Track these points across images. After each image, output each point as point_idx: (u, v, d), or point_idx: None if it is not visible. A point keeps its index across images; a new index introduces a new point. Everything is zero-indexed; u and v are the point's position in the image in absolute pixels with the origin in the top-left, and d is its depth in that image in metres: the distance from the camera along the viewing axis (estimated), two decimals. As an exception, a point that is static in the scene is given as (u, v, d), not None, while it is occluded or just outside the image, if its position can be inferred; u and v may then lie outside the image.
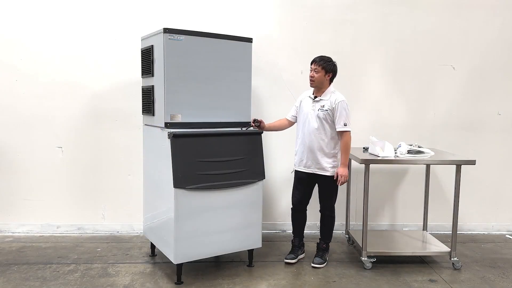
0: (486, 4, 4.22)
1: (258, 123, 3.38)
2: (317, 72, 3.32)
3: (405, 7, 4.19)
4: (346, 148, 3.31)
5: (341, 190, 4.18)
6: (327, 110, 3.31)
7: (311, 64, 3.37)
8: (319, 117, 3.33)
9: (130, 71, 4.00)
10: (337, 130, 3.31)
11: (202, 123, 3.15)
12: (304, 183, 3.50)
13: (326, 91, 3.38)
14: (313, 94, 3.43)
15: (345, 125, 3.28)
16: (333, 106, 3.30)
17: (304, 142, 3.41)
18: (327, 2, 4.13)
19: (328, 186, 3.41)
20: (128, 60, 4.01)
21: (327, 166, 3.35)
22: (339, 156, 3.40)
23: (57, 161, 4.10)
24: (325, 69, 3.32)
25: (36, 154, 4.07)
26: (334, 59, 4.12)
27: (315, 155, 3.35)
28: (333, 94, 3.35)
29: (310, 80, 3.37)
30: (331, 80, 3.40)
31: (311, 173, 3.40)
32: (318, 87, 3.38)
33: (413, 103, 4.29)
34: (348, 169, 3.99)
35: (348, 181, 4.02)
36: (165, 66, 2.97)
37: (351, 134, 3.33)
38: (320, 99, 3.36)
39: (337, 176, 3.31)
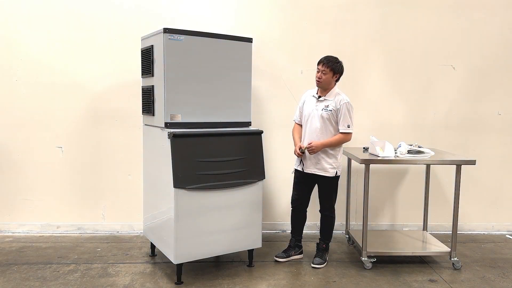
0: (486, 4, 4.22)
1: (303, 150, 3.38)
2: (325, 74, 3.29)
3: (405, 7, 4.19)
4: (339, 142, 3.31)
5: (341, 190, 4.19)
6: (331, 111, 3.31)
7: (318, 64, 3.34)
8: (322, 117, 3.33)
9: (130, 71, 4.00)
10: (340, 131, 3.31)
11: (202, 123, 3.15)
12: (303, 182, 3.50)
13: (331, 91, 3.37)
14: (317, 93, 3.42)
15: (348, 127, 3.29)
16: (338, 107, 3.30)
17: (305, 141, 3.41)
18: (327, 2, 4.13)
19: (328, 186, 3.41)
20: (128, 60, 4.01)
21: (327, 167, 3.35)
22: (339, 157, 3.39)
23: (57, 161, 4.10)
24: (333, 70, 3.30)
25: (36, 154, 4.08)
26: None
27: (316, 155, 3.35)
28: (338, 95, 3.35)
29: (317, 81, 3.35)
30: (337, 80, 3.40)
31: (311, 173, 3.40)
32: (324, 88, 3.37)
33: (413, 103, 4.29)
34: (349, 169, 4.02)
35: (348, 181, 4.04)
36: (165, 66, 2.97)
37: (351, 136, 3.35)
38: (325, 99, 3.36)
39: (310, 146, 3.27)
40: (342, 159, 3.47)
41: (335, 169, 3.36)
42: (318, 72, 3.33)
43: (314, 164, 3.37)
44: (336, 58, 3.35)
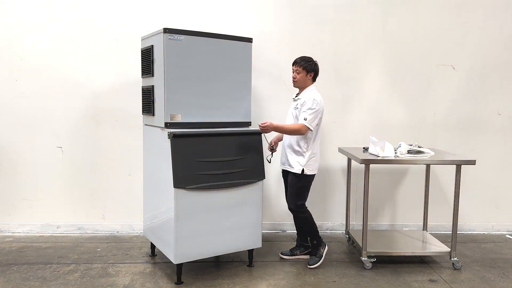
0: (486, 4, 4.22)
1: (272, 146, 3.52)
2: (298, 73, 3.33)
3: (404, 7, 4.19)
4: (292, 129, 3.22)
5: (341, 190, 4.20)
6: (298, 108, 3.33)
7: (293, 65, 3.37)
8: (293, 115, 3.37)
9: (130, 71, 4.00)
10: (298, 122, 3.25)
11: (202, 123, 3.15)
12: (284, 180, 3.56)
13: (304, 90, 3.37)
14: (296, 94, 3.47)
15: (305, 119, 3.20)
16: (303, 102, 3.28)
17: (283, 139, 3.48)
18: (327, 2, 4.13)
19: (293, 183, 3.38)
20: (128, 60, 4.01)
21: (293, 163, 3.34)
22: (307, 156, 3.31)
23: (57, 161, 4.10)
24: (306, 69, 3.32)
25: (36, 154, 4.08)
26: (334, 58, 4.14)
27: (286, 152, 3.40)
28: (310, 92, 3.33)
29: (293, 81, 3.38)
30: (313, 80, 3.40)
31: (285, 170, 3.45)
32: (301, 87, 3.39)
33: (413, 103, 4.29)
34: (349, 169, 4.02)
35: (348, 181, 4.04)
36: (165, 66, 2.97)
37: (306, 131, 3.21)
38: (298, 98, 3.38)
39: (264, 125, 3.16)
40: (314, 162, 3.36)
41: (302, 166, 3.30)
42: (293, 72, 3.37)
43: (285, 160, 3.42)
44: (309, 58, 3.37)
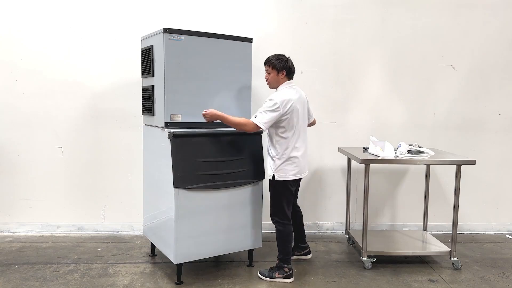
0: (486, 4, 4.22)
1: None
2: (269, 73, 3.16)
3: (404, 7, 4.19)
4: (236, 123, 3.01)
5: (341, 190, 4.20)
6: None
7: (264, 65, 3.20)
8: None
9: (130, 71, 4.00)
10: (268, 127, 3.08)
11: (202, 123, 3.14)
12: None
13: (276, 90, 3.19)
14: None
15: (255, 116, 3.00)
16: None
17: None
18: (327, 2, 4.13)
19: (270, 190, 3.24)
20: (128, 60, 4.01)
21: (268, 168, 3.20)
22: (278, 160, 3.10)
23: (57, 161, 4.10)
24: (275, 68, 3.12)
25: (36, 154, 4.08)
26: (334, 58, 4.10)
27: (267, 157, 3.24)
28: (277, 92, 3.13)
29: (267, 83, 3.22)
30: (288, 77, 3.17)
31: None
32: (275, 87, 3.21)
33: (413, 103, 4.29)
34: (349, 169, 4.02)
35: (348, 181, 4.04)
36: (165, 66, 2.97)
37: (252, 128, 3.00)
38: None
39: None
40: (289, 166, 3.11)
41: (273, 171, 3.16)
42: (265, 73, 3.21)
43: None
44: (280, 55, 3.14)
